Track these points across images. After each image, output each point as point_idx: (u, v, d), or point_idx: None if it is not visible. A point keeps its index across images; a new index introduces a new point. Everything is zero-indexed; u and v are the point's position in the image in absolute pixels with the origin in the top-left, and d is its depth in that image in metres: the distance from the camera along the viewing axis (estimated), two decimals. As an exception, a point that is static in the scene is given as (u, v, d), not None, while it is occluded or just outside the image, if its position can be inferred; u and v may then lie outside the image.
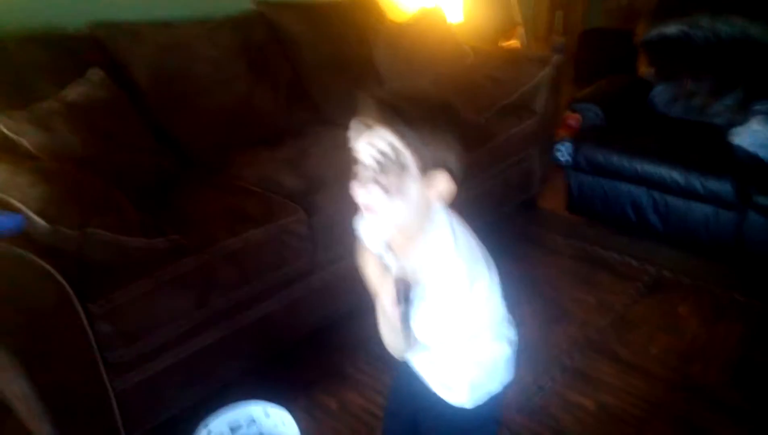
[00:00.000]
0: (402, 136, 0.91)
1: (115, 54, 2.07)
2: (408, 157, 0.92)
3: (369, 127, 0.92)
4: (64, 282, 1.31)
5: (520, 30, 3.87)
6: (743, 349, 2.04)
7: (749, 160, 2.48)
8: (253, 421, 1.44)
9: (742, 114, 2.71)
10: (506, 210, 2.84)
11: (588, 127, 2.82)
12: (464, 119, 2.42)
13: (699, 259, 2.54)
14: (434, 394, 1.14)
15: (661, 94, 3.01)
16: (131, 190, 1.67)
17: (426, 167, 0.94)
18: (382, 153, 0.92)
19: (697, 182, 2.41)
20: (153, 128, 2.01)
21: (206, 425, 1.38)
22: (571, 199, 2.84)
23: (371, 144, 0.92)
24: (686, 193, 2.46)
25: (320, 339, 2.05)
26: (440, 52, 2.91)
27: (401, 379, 1.24)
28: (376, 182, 0.93)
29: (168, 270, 1.52)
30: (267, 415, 1.44)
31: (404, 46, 2.85)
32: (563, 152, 3.46)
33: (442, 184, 0.96)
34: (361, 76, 2.79)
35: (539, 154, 2.87)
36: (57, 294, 1.31)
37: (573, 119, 3.54)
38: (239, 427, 1.43)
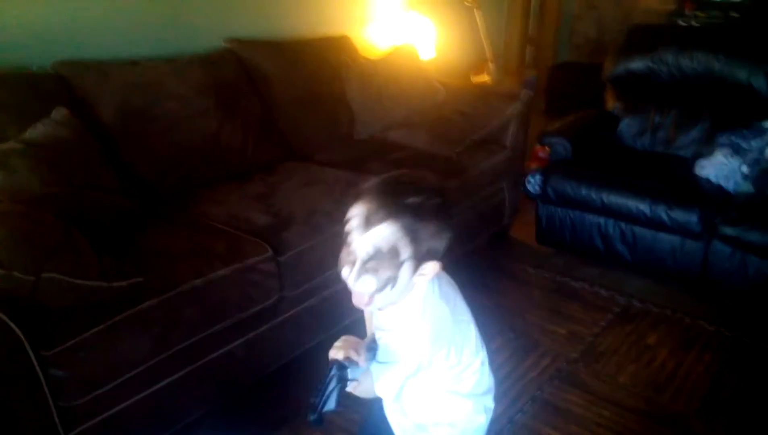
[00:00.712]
0: (411, 232, 0.93)
1: (80, 92, 2.07)
2: (406, 251, 0.94)
3: (373, 215, 0.93)
4: (16, 329, 1.28)
5: (491, 65, 3.95)
6: (711, 378, 2.05)
7: (714, 191, 2.54)
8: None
9: (708, 146, 2.78)
10: (478, 242, 2.85)
11: (556, 160, 2.87)
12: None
13: (667, 288, 2.57)
14: None
15: (628, 127, 3.07)
16: (93, 231, 1.65)
17: (422, 257, 0.96)
18: (378, 250, 0.93)
19: (663, 213, 2.44)
20: (118, 167, 2.00)
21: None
22: (540, 230, 2.86)
23: (374, 233, 0.93)
24: (653, 223, 2.50)
25: (287, 376, 2.03)
26: (412, 88, 2.95)
27: (372, 416, 1.25)
28: (370, 271, 0.95)
29: (127, 312, 1.50)
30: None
31: (376, 83, 2.89)
32: (533, 184, 3.51)
33: (432, 270, 0.99)
34: (333, 112, 2.82)
35: (510, 186, 2.91)
36: (10, 342, 1.28)
37: (543, 151, 3.60)
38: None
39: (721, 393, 1.99)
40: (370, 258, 0.94)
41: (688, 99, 2.95)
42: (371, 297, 0.98)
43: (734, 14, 4.07)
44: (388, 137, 2.80)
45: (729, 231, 2.33)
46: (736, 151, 2.61)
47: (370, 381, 1.05)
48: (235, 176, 2.32)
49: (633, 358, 2.16)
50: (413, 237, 0.94)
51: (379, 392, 1.06)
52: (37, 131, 1.80)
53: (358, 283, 0.96)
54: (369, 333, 1.22)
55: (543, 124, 3.22)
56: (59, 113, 1.90)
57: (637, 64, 3.10)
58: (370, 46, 3.35)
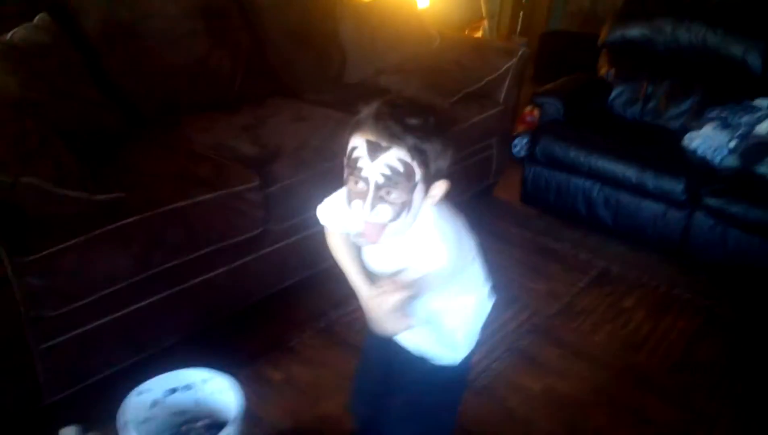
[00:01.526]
0: (420, 153, 0.91)
1: (63, 1, 1.95)
2: (419, 172, 0.92)
3: (379, 142, 0.91)
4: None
5: (485, 24, 3.88)
6: (684, 343, 2.08)
7: (700, 163, 2.54)
8: (189, 386, 1.37)
9: (697, 119, 2.78)
10: (463, 198, 2.83)
11: (548, 120, 2.84)
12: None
13: (645, 256, 2.59)
14: (418, 358, 1.18)
15: (619, 95, 3.06)
16: (73, 143, 1.57)
17: (431, 178, 0.95)
18: (395, 170, 0.91)
19: (649, 180, 2.45)
20: (101, 81, 1.91)
21: (141, 387, 1.31)
22: (525, 191, 2.85)
23: (383, 160, 0.91)
24: (638, 190, 2.50)
25: (267, 310, 1.99)
26: (407, 33, 2.88)
27: (375, 341, 1.23)
28: (385, 200, 0.93)
29: (108, 227, 1.44)
30: (204, 381, 1.37)
31: (370, 24, 2.81)
32: (519, 147, 3.50)
33: (440, 190, 0.98)
34: (325, 50, 2.73)
35: (499, 144, 2.88)
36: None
37: (531, 115, 3.58)
38: (174, 390, 1.36)
39: (693, 357, 2.02)
40: (384, 184, 0.92)
41: (681, 71, 2.94)
42: (384, 227, 0.96)
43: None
44: (380, 82, 2.72)
45: (713, 202, 2.34)
46: (726, 125, 2.62)
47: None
48: (222, 105, 2.24)
49: (609, 318, 2.19)
50: (422, 157, 0.92)
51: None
52: (17, 35, 1.71)
53: (374, 212, 0.94)
54: (354, 275, 1.16)
55: (530, 91, 3.18)
56: (41, 19, 1.80)
57: (634, 32, 3.07)
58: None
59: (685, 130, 2.76)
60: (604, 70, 3.15)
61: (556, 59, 4.69)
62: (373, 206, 0.94)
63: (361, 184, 0.94)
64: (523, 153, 3.46)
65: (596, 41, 3.26)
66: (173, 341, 1.68)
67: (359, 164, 0.93)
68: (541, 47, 4.97)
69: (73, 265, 1.38)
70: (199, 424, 1.39)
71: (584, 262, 2.55)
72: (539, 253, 2.60)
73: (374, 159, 0.91)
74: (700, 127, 2.70)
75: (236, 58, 2.36)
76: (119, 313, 1.52)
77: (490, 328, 2.01)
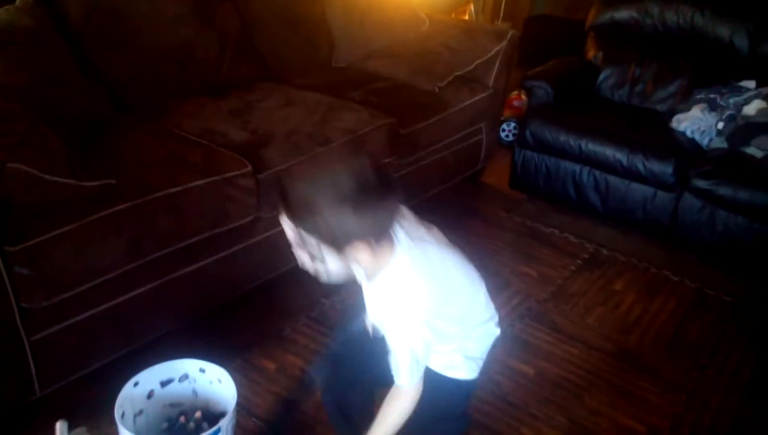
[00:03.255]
0: (300, 224, 0.96)
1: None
2: (310, 238, 0.96)
3: (279, 212, 0.98)
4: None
5: (471, 7, 3.85)
6: (675, 325, 2.10)
7: (688, 145, 2.56)
8: (185, 376, 1.36)
9: (685, 102, 2.79)
10: (451, 183, 2.82)
11: (537, 104, 2.83)
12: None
13: (635, 238, 2.60)
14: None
15: (607, 78, 3.06)
16: (60, 129, 1.53)
17: (336, 243, 0.97)
18: (290, 231, 0.98)
19: (639, 163, 2.45)
20: (85, 66, 1.86)
21: (135, 378, 1.28)
22: (514, 176, 2.85)
23: (283, 222, 0.99)
24: (628, 173, 2.51)
25: (260, 298, 1.97)
26: (395, 17, 2.84)
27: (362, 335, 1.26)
28: (298, 248, 1.01)
29: (99, 214, 1.41)
30: (202, 371, 1.36)
31: (359, 8, 2.77)
32: (506, 132, 3.49)
33: (360, 253, 0.98)
34: (313, 34, 2.69)
35: (488, 128, 2.86)
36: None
37: (518, 100, 3.57)
38: (170, 381, 1.34)
39: (683, 339, 2.04)
40: (292, 239, 1.00)
41: (668, 53, 2.94)
42: (311, 268, 1.03)
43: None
44: (369, 66, 2.69)
45: (701, 184, 2.36)
46: (713, 107, 2.64)
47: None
48: (210, 91, 2.20)
49: (600, 301, 2.20)
50: (309, 229, 0.95)
51: (407, 386, 1.09)
52: (-2, 16, 1.65)
53: (298, 257, 1.02)
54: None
55: (516, 76, 3.17)
56: (24, 2, 1.74)
57: (622, 14, 3.06)
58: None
59: (673, 112, 2.77)
60: (591, 53, 3.14)
61: (541, 44, 4.66)
62: (296, 252, 1.02)
63: None
64: (510, 138, 3.46)
65: (581, 26, 3.25)
66: (165, 331, 1.66)
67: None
68: (525, 32, 4.93)
69: (63, 253, 1.35)
70: (196, 414, 1.37)
71: (574, 245, 2.55)
72: (529, 237, 2.60)
73: (280, 218, 0.99)
74: (688, 109, 2.71)
75: (223, 43, 2.31)
76: (111, 303, 1.49)
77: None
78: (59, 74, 1.70)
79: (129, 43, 2.02)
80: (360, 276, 1.11)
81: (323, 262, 0.99)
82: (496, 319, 1.25)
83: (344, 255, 0.98)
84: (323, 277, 1.03)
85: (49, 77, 1.65)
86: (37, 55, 1.65)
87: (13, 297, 1.28)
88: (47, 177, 1.32)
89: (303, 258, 1.01)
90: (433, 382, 1.14)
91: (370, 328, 1.26)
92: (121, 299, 1.52)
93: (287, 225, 0.98)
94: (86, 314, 1.45)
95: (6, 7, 1.68)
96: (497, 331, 1.25)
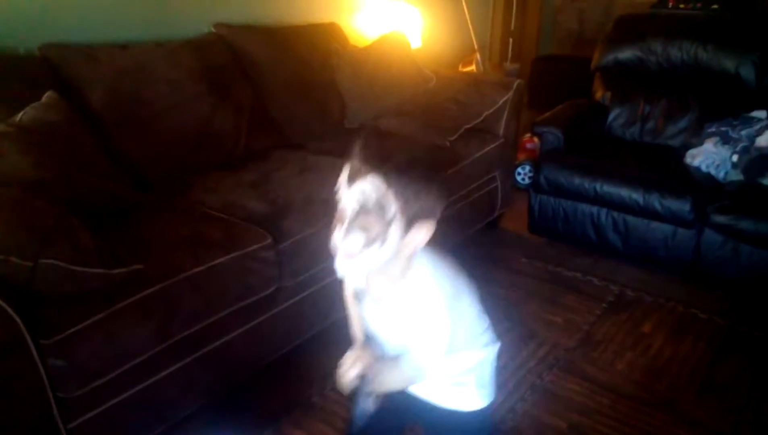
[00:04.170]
0: (397, 184, 0.90)
1: (68, 76, 2.00)
2: (394, 205, 0.91)
3: (359, 170, 0.92)
4: (16, 317, 1.23)
5: (477, 56, 3.94)
6: (706, 366, 2.07)
7: (704, 180, 2.56)
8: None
9: (697, 136, 2.81)
10: (470, 232, 2.85)
11: (548, 149, 2.87)
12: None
13: (659, 277, 2.59)
14: (442, 408, 1.17)
15: (617, 117, 3.09)
16: (86, 217, 1.59)
17: (411, 216, 0.93)
18: (368, 197, 0.91)
19: (656, 202, 2.46)
20: (109, 153, 1.94)
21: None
22: (532, 220, 2.86)
23: (358, 187, 0.91)
24: (646, 212, 2.51)
25: (286, 367, 1.99)
26: (403, 76, 2.92)
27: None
28: (358, 227, 0.93)
29: (128, 301, 1.45)
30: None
31: (367, 70, 2.86)
32: (522, 175, 3.53)
33: (423, 234, 0.96)
34: (325, 99, 2.78)
35: (503, 176, 2.90)
36: (9, 330, 1.23)
37: (530, 142, 3.61)
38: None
39: (717, 380, 2.00)
40: (358, 213, 0.92)
41: (676, 89, 2.98)
42: (357, 255, 0.95)
43: (715, 6, 4.10)
44: (380, 126, 2.76)
45: (721, 219, 2.35)
46: (726, 140, 2.65)
47: (396, 374, 1.09)
48: (229, 164, 2.27)
49: (629, 346, 2.18)
50: (399, 192, 0.91)
51: (418, 378, 1.08)
52: (27, 115, 1.74)
53: (347, 238, 0.94)
54: (357, 334, 1.25)
55: (526, 117, 3.22)
56: (49, 97, 1.83)
57: (626, 54, 3.12)
58: (359, 34, 3.31)
59: (686, 147, 2.78)
60: (599, 93, 3.19)
61: (550, 83, 4.75)
62: (347, 232, 0.94)
63: (341, 211, 0.95)
64: (526, 181, 3.49)
65: (587, 63, 3.31)
66: (195, 408, 1.68)
67: (340, 191, 0.95)
68: (533, 72, 5.03)
69: (94, 342, 1.39)
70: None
71: (598, 288, 2.54)
72: (552, 282, 2.60)
73: (351, 185, 0.93)
74: (700, 144, 2.73)
75: (239, 115, 2.40)
76: (141, 386, 1.52)
77: (511, 365, 2.03)
78: (84, 163, 1.78)
79: (150, 126, 2.10)
80: (380, 281, 1.05)
81: (382, 243, 0.93)
82: (493, 334, 1.21)
83: (408, 235, 0.94)
84: (360, 266, 0.96)
85: (75, 168, 1.72)
86: (64, 148, 1.73)
87: (49, 388, 1.32)
88: (79, 269, 1.38)
89: (354, 239, 0.93)
90: (448, 424, 1.16)
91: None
92: (151, 381, 1.54)
93: (363, 189, 0.91)
94: (118, 398, 1.48)
95: (33, 104, 1.76)
96: (498, 344, 1.21)
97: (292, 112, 2.63)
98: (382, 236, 0.93)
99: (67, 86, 1.97)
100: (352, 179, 0.93)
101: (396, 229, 0.93)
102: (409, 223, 0.94)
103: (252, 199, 2.01)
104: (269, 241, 1.79)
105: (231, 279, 1.70)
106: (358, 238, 0.93)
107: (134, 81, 2.11)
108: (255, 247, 1.75)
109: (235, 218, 1.88)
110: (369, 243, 0.93)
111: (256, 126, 2.45)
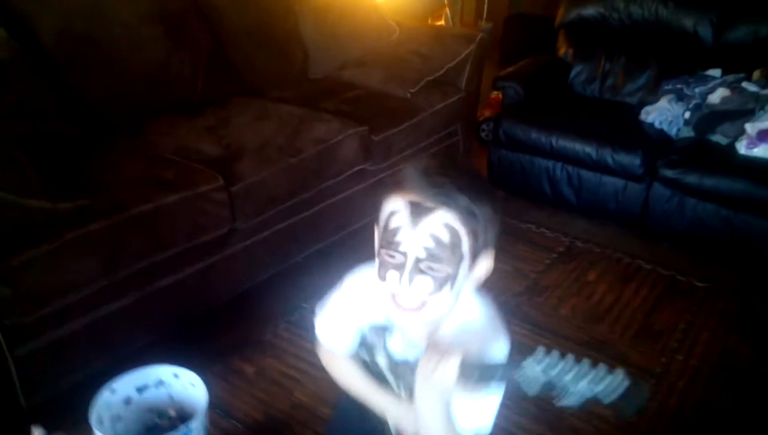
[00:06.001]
0: (471, 217, 0.81)
1: (20, 14, 1.97)
2: (466, 242, 0.81)
3: (422, 212, 0.80)
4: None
5: (447, 11, 3.93)
6: (645, 312, 2.16)
7: (657, 136, 2.62)
8: (161, 382, 1.43)
9: (654, 93, 2.86)
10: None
11: (509, 104, 2.90)
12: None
13: (609, 230, 2.67)
14: None
15: (578, 74, 3.13)
16: (36, 154, 1.61)
17: (478, 249, 0.84)
18: (439, 242, 0.80)
19: (608, 156, 2.52)
20: (61, 92, 1.93)
21: (111, 385, 1.36)
22: (492, 174, 2.91)
23: (427, 228, 0.80)
24: (598, 166, 2.57)
25: (240, 306, 2.04)
26: (367, 27, 2.92)
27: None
28: (426, 273, 0.81)
29: (74, 234, 1.48)
30: (176, 377, 1.43)
31: (331, 19, 2.85)
32: (487, 131, 3.56)
33: (486, 266, 0.88)
34: (286, 47, 2.77)
35: (463, 130, 2.94)
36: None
37: (498, 99, 3.63)
38: (146, 387, 1.41)
39: (654, 325, 2.10)
40: (427, 256, 0.80)
41: (636, 46, 3.01)
42: (424, 303, 0.83)
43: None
44: (343, 76, 2.77)
45: (669, 173, 2.42)
46: (680, 97, 2.70)
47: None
48: (185, 109, 2.27)
49: (574, 292, 2.26)
50: (472, 224, 0.81)
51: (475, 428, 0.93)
52: (-28, 50, 1.73)
53: (412, 285, 0.82)
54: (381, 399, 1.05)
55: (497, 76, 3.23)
56: (-4, 34, 1.82)
57: (589, 11, 3.14)
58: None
59: (643, 104, 2.83)
60: (562, 50, 3.21)
61: (521, 42, 4.75)
62: (411, 279, 0.81)
63: (396, 257, 0.82)
64: (490, 137, 3.53)
65: (557, 23, 3.32)
66: (145, 343, 1.73)
67: (398, 237, 0.81)
68: (505, 31, 5.03)
69: (39, 270, 1.42)
70: (170, 412, 1.43)
71: (550, 239, 2.62)
72: (506, 234, 2.62)
73: (416, 225, 0.80)
74: (656, 101, 2.78)
75: (197, 61, 2.39)
76: (90, 318, 1.56)
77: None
78: (34, 101, 1.78)
79: (104, 67, 2.09)
80: (429, 324, 0.91)
81: (451, 282, 0.83)
82: None
83: (474, 269, 0.86)
84: (426, 315, 0.86)
85: (24, 105, 1.73)
86: (12, 85, 1.73)
87: (-7, 315, 1.36)
88: (23, 201, 1.40)
89: (423, 284, 0.82)
90: None
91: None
92: (99, 314, 1.59)
93: (433, 230, 0.80)
94: (66, 329, 1.52)
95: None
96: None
97: (253, 60, 2.62)
98: (453, 277, 0.82)
99: (17, 24, 1.95)
100: (419, 215, 0.80)
101: (465, 265, 0.83)
102: (475, 257, 0.85)
103: (206, 143, 2.03)
104: (221, 182, 1.82)
105: (180, 219, 1.73)
106: (426, 282, 0.82)
107: (87, 22, 2.09)
108: (206, 188, 1.78)
109: (188, 161, 1.90)
110: (439, 286, 0.82)
111: (215, 72, 2.44)
